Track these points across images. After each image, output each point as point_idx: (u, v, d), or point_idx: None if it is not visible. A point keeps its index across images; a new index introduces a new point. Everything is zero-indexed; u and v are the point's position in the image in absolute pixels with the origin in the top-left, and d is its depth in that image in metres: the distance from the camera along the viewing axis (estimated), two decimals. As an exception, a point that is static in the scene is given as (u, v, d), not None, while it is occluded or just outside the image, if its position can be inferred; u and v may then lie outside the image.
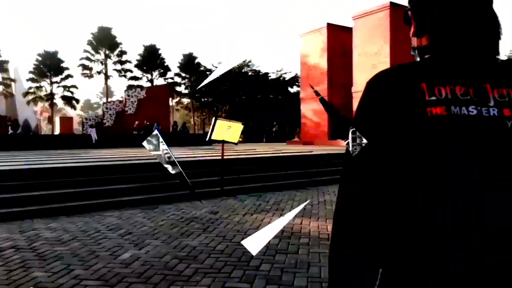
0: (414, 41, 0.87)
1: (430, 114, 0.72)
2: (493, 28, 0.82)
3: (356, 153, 0.78)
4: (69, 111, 61.57)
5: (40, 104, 46.63)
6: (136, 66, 45.64)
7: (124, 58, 45.36)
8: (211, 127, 8.04)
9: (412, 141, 0.73)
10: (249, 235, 3.96)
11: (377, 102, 0.78)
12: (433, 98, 0.74)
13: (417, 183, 0.73)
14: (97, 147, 19.74)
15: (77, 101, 47.49)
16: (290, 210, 5.72)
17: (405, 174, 0.74)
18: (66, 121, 30.47)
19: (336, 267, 0.83)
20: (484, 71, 0.78)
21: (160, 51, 46.15)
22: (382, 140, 0.76)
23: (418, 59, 0.86)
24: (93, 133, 21.24)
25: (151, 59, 44.99)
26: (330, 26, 25.80)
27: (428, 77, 0.76)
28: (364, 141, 0.77)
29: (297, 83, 46.02)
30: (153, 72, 45.92)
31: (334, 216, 0.84)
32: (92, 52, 44.30)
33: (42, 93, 43.96)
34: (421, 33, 0.85)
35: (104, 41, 43.85)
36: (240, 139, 8.72)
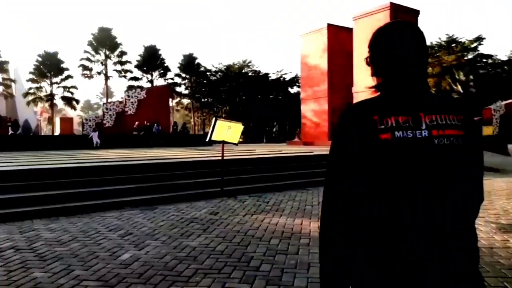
0: (374, 80, 1.17)
1: (381, 138, 1.02)
2: (424, 71, 1.12)
3: (340, 167, 1.07)
4: (69, 112, 61.60)
5: (40, 105, 46.58)
6: (136, 66, 45.63)
7: (124, 58, 45.35)
8: (211, 127, 8.04)
9: (370, 157, 1.02)
10: (249, 235, 3.99)
11: (350, 128, 1.06)
12: (382, 126, 1.03)
13: (373, 188, 1.02)
14: (96, 148, 19.73)
15: (77, 101, 47.47)
16: (290, 211, 5.78)
17: (372, 179, 1.03)
18: (66, 122, 30.42)
19: (334, 267, 1.05)
20: (419, 103, 1.07)
21: (160, 52, 46.15)
22: (351, 153, 1.05)
23: (378, 93, 1.14)
24: (95, 136, 21.05)
25: (151, 59, 44.98)
26: (331, 27, 25.79)
27: (379, 111, 1.06)
28: (347, 157, 1.06)
29: (297, 84, 46.00)
30: (153, 73, 45.91)
31: (324, 215, 1.09)
32: (92, 52, 44.28)
33: (42, 94, 43.92)
34: (376, 75, 1.15)
35: (104, 41, 43.84)
36: (240, 140, 8.71)
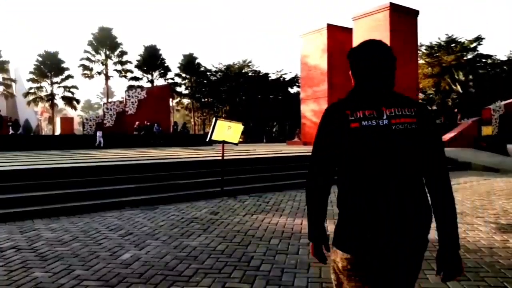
0: (352, 82, 1.58)
1: (351, 127, 1.40)
2: (388, 70, 1.49)
3: (320, 146, 1.49)
4: (70, 112, 61.59)
5: (40, 105, 46.58)
6: (136, 66, 45.60)
7: (124, 58, 45.30)
8: (211, 127, 8.05)
9: (343, 141, 1.41)
10: (250, 235, 4.01)
11: (328, 120, 1.46)
12: (353, 118, 1.40)
13: (344, 161, 1.44)
14: (98, 148, 19.72)
15: (78, 101, 47.46)
16: (291, 211, 5.78)
17: (339, 156, 1.44)
18: (67, 122, 30.46)
19: (310, 202, 1.57)
20: (382, 100, 1.45)
21: (160, 52, 46.12)
22: (330, 139, 1.45)
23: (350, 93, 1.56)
24: (99, 136, 21.07)
25: (151, 59, 44.97)
26: (330, 27, 25.78)
27: (350, 107, 1.43)
28: (326, 140, 1.47)
29: (297, 84, 45.99)
30: (153, 73, 45.89)
31: (307, 177, 1.54)
32: (93, 52, 44.27)
33: (43, 94, 43.92)
34: (353, 77, 1.57)
35: (105, 41, 43.83)
36: (240, 140, 8.72)
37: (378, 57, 1.49)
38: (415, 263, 1.49)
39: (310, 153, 1.51)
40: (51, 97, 43.87)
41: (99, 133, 21.21)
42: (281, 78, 47.61)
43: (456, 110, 22.96)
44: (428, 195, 1.49)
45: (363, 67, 1.51)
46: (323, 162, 1.48)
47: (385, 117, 1.40)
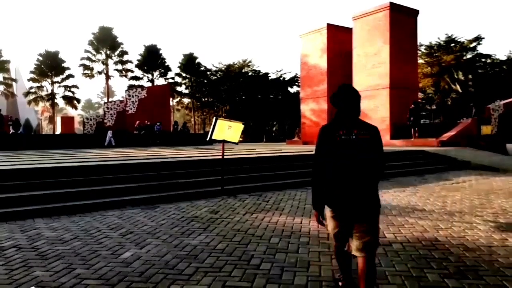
0: (334, 111, 2.68)
1: (336, 139, 2.56)
2: (356, 106, 2.63)
3: (319, 150, 2.67)
4: (70, 111, 61.62)
5: (41, 104, 46.63)
6: (137, 66, 45.64)
7: (125, 58, 45.37)
8: (211, 127, 8.06)
9: (332, 146, 2.57)
10: (250, 234, 4.04)
11: (323, 138, 2.63)
12: (337, 134, 2.56)
13: (333, 162, 2.56)
14: (109, 147, 19.66)
15: (78, 101, 47.48)
16: (290, 210, 5.79)
17: (329, 159, 2.57)
18: (67, 121, 30.47)
19: (315, 190, 2.73)
20: (352, 125, 2.59)
21: (160, 51, 46.15)
22: (324, 149, 2.62)
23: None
24: (109, 136, 21.09)
25: (151, 59, 44.99)
26: (330, 27, 25.78)
27: (335, 128, 2.59)
28: (321, 150, 2.65)
29: (297, 83, 45.99)
30: (153, 72, 45.91)
31: (312, 173, 2.70)
32: (93, 52, 44.30)
33: (43, 93, 43.96)
34: (336, 109, 2.68)
35: (105, 41, 43.85)
36: (240, 139, 8.73)
37: (351, 100, 2.65)
38: (363, 215, 2.62)
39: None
40: (51, 96, 43.90)
41: (109, 133, 21.25)
42: (281, 78, 47.61)
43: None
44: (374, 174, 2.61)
45: (343, 106, 2.66)
46: (322, 163, 2.65)
47: (353, 134, 2.57)
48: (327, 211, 2.76)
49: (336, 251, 2.96)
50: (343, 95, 2.63)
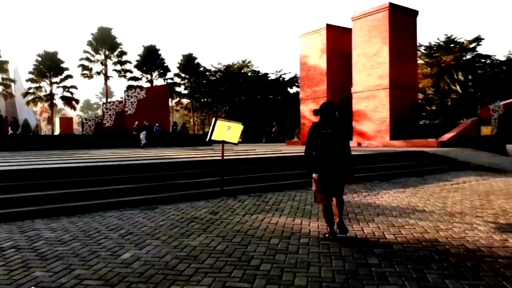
0: (318, 117, 4.74)
1: (321, 132, 4.55)
2: (333, 115, 4.61)
3: (310, 139, 4.65)
4: (69, 112, 61.54)
5: (39, 105, 46.47)
6: (135, 66, 45.51)
7: (124, 58, 45.19)
8: (211, 127, 8.04)
9: (317, 138, 4.57)
10: (249, 235, 4.03)
11: (313, 131, 4.62)
12: (321, 130, 4.56)
13: (318, 147, 4.57)
14: (144, 147, 19.68)
15: (77, 101, 47.36)
16: (290, 210, 5.80)
17: (316, 145, 4.58)
18: (66, 122, 30.38)
19: (307, 165, 4.73)
20: (330, 125, 4.57)
21: (159, 52, 46.03)
22: (313, 139, 4.61)
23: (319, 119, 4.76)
24: (143, 137, 21.20)
25: (150, 59, 44.89)
26: (330, 27, 25.80)
27: (320, 126, 4.59)
28: (311, 139, 4.64)
29: (296, 84, 45.98)
30: (152, 73, 45.79)
31: (305, 152, 4.72)
32: (92, 52, 44.18)
33: (42, 94, 43.84)
34: (320, 116, 4.68)
35: (104, 41, 43.74)
36: (240, 140, 8.72)
37: (329, 112, 4.56)
38: (337, 176, 4.52)
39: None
40: (50, 97, 43.80)
41: (142, 134, 21.38)
42: (281, 78, 47.56)
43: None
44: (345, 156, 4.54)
45: (325, 114, 4.57)
46: (311, 149, 4.57)
47: (329, 130, 4.47)
48: (314, 175, 4.63)
49: (324, 210, 4.62)
50: (325, 111, 4.61)
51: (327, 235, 4.61)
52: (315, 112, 4.57)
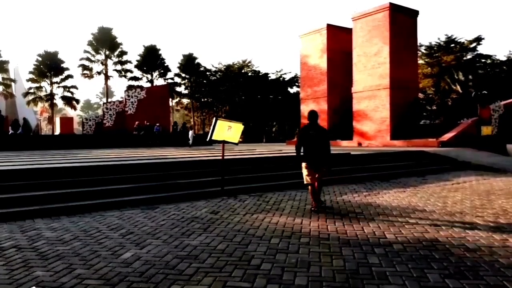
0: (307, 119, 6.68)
1: (309, 133, 6.34)
2: (316, 120, 6.50)
3: (300, 138, 6.46)
4: (69, 112, 61.57)
5: (40, 105, 46.45)
6: (136, 66, 45.50)
7: (124, 58, 45.17)
8: (211, 127, 8.05)
9: (305, 137, 6.36)
10: (250, 235, 4.03)
11: (302, 132, 6.51)
12: (308, 131, 6.37)
13: (305, 144, 6.34)
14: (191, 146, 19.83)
15: (77, 101, 47.34)
16: (291, 210, 5.79)
17: (304, 142, 6.35)
18: (67, 121, 30.39)
19: (297, 154, 6.44)
20: (313, 128, 6.40)
21: (160, 52, 46.02)
22: (302, 137, 6.41)
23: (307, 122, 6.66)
24: (191, 136, 21.49)
25: (151, 59, 44.89)
26: (330, 27, 25.81)
27: (308, 128, 6.43)
28: (301, 138, 6.46)
29: (296, 84, 45.96)
30: (153, 73, 45.80)
31: (295, 147, 6.46)
32: (93, 52, 44.17)
33: (42, 94, 43.83)
34: (308, 119, 6.54)
35: (105, 41, 43.72)
36: (240, 139, 8.72)
37: (313, 118, 6.44)
38: (319, 166, 6.29)
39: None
40: (50, 97, 43.79)
41: (191, 132, 21.76)
42: (281, 78, 47.55)
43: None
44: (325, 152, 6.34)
45: (310, 118, 6.45)
46: (300, 144, 6.36)
47: (313, 132, 6.30)
48: (303, 164, 6.33)
49: (311, 190, 6.33)
50: (310, 117, 6.41)
51: (313, 208, 6.30)
52: (308, 115, 6.56)
